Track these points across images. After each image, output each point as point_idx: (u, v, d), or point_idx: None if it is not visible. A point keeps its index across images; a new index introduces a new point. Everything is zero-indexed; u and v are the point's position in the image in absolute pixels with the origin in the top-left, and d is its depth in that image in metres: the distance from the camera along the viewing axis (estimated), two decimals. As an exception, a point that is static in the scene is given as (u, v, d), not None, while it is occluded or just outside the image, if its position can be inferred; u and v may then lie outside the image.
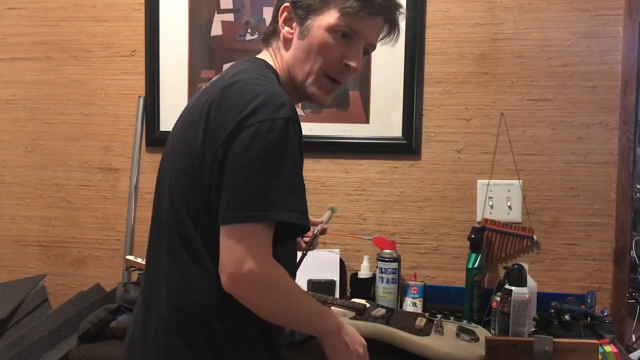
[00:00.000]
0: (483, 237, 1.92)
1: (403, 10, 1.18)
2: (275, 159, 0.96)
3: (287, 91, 1.09)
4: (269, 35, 1.16)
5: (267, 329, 1.06)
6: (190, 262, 1.02)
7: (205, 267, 1.01)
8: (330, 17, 1.08)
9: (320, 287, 1.89)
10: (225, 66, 2.06)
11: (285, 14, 1.11)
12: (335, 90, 1.15)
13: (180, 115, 1.15)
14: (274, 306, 1.01)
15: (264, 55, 1.16)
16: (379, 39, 1.16)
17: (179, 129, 1.09)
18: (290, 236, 1.05)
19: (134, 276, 2.04)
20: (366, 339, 1.44)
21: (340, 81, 1.14)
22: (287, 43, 1.12)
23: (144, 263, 1.81)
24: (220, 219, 0.97)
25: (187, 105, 1.14)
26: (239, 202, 0.95)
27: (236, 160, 0.95)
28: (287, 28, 1.12)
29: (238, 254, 0.95)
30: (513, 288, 1.62)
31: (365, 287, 1.93)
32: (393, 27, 1.15)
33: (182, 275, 1.03)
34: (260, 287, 0.98)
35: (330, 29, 1.08)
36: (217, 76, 1.13)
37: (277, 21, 1.13)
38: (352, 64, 1.11)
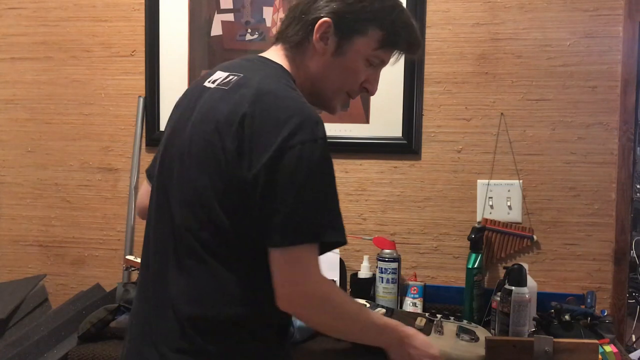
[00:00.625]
0: (483, 237, 1.92)
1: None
2: (320, 180, 0.99)
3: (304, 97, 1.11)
4: (295, 44, 1.12)
5: (284, 332, 1.09)
6: (213, 267, 1.01)
7: (227, 272, 1.01)
8: (368, 46, 1.11)
9: (320, 287, 1.89)
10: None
11: (323, 29, 1.09)
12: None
13: (186, 115, 1.09)
14: (331, 322, 1.05)
15: (277, 56, 1.14)
16: None
17: (198, 134, 1.04)
18: (326, 252, 1.07)
19: (134, 276, 2.04)
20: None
21: (354, 97, 1.20)
22: (316, 56, 1.11)
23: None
24: (271, 242, 0.98)
25: (198, 106, 1.08)
26: (291, 226, 0.97)
27: (283, 184, 0.96)
28: (322, 43, 1.10)
29: (293, 274, 0.98)
30: (513, 288, 1.62)
31: (365, 287, 1.93)
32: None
33: (198, 280, 1.02)
34: (317, 304, 1.01)
35: (365, 57, 1.12)
36: (232, 75, 1.08)
37: (307, 31, 1.10)
38: (372, 89, 1.18)
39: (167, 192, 1.09)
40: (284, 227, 0.97)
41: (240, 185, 0.98)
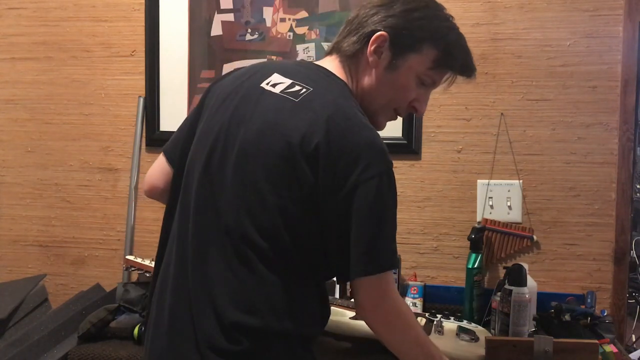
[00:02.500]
0: (483, 237, 1.92)
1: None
2: (393, 208, 1.08)
3: None
4: (350, 55, 1.13)
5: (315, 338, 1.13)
6: (266, 277, 1.02)
7: (279, 285, 1.03)
8: (422, 64, 1.12)
9: (320, 287, 1.89)
10: (227, 66, 2.04)
11: (378, 42, 1.10)
12: None
13: (243, 114, 1.07)
14: (402, 342, 1.11)
15: (334, 67, 1.14)
16: None
17: (266, 145, 1.03)
18: None
19: (134, 276, 2.04)
20: (366, 339, 1.45)
21: (402, 115, 1.20)
22: (369, 69, 1.12)
23: (146, 263, 1.82)
24: (356, 271, 1.03)
25: (261, 110, 1.06)
26: (374, 255, 1.03)
27: (363, 217, 1.01)
28: (375, 56, 1.11)
29: (376, 297, 1.06)
30: (513, 288, 1.62)
31: (365, 287, 1.92)
32: None
33: (248, 288, 1.03)
34: (398, 324, 1.09)
35: (417, 75, 1.13)
36: (297, 85, 1.07)
37: (363, 43, 1.11)
38: (420, 109, 1.18)
39: (215, 191, 1.07)
40: (367, 257, 1.02)
41: (312, 211, 1.01)
